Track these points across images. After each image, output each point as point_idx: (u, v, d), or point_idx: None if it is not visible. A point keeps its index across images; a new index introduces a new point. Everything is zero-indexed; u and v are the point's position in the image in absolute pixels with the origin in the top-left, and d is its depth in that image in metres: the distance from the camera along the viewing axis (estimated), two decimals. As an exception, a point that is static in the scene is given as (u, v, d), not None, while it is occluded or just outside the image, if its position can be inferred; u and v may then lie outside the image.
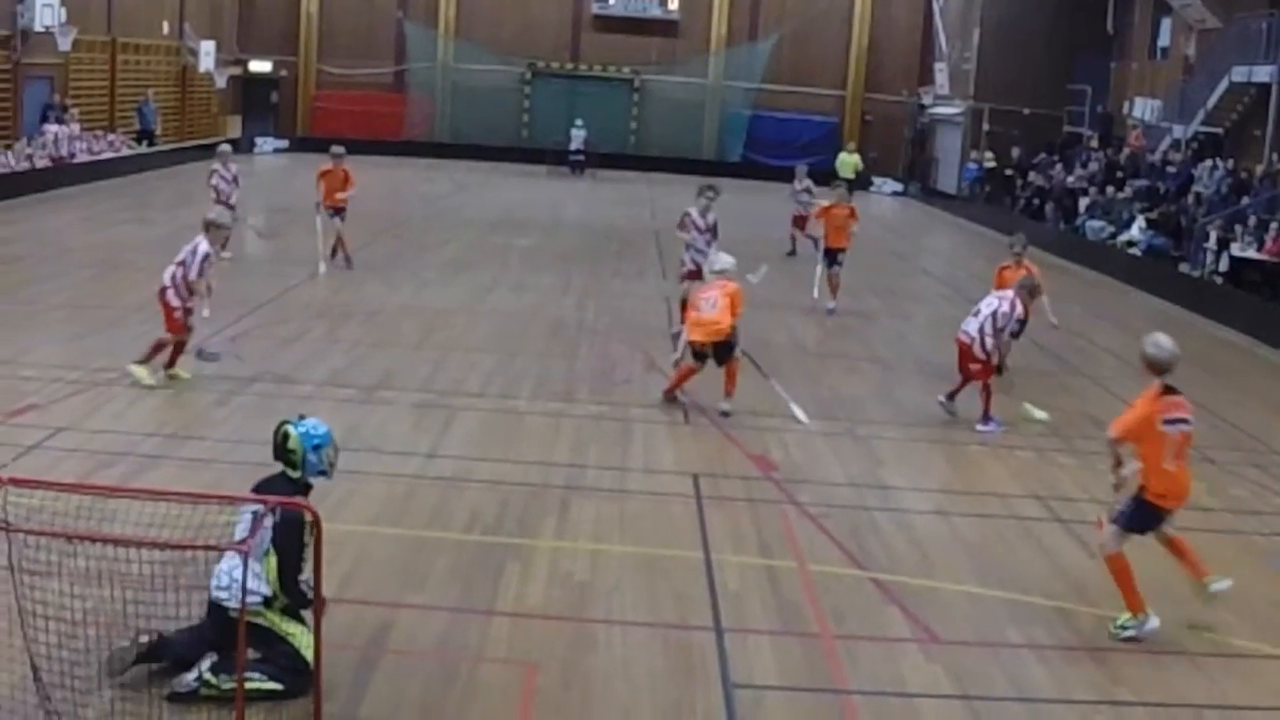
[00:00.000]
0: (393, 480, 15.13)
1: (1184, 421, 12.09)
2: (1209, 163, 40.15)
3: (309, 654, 9.30)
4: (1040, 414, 19.12)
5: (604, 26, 65.27)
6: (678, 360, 19.87)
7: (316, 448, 9.91)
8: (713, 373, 19.13)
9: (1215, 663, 11.75)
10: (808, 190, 36.64)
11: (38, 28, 43.17)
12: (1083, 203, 44.65)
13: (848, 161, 55.30)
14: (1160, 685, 11.22)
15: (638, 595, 12.41)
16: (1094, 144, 50.50)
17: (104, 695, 9.34)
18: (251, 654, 9.24)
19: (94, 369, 18.69)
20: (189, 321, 18.73)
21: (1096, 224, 42.28)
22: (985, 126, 57.05)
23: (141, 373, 18.37)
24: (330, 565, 9.74)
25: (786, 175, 38.13)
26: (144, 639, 9.59)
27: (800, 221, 36.68)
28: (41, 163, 42.88)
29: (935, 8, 62.35)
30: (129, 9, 51.67)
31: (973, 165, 56.20)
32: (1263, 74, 38.91)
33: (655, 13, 64.99)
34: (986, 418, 19.18)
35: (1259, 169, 37.42)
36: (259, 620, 9.54)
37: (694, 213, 24.00)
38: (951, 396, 19.79)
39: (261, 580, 9.57)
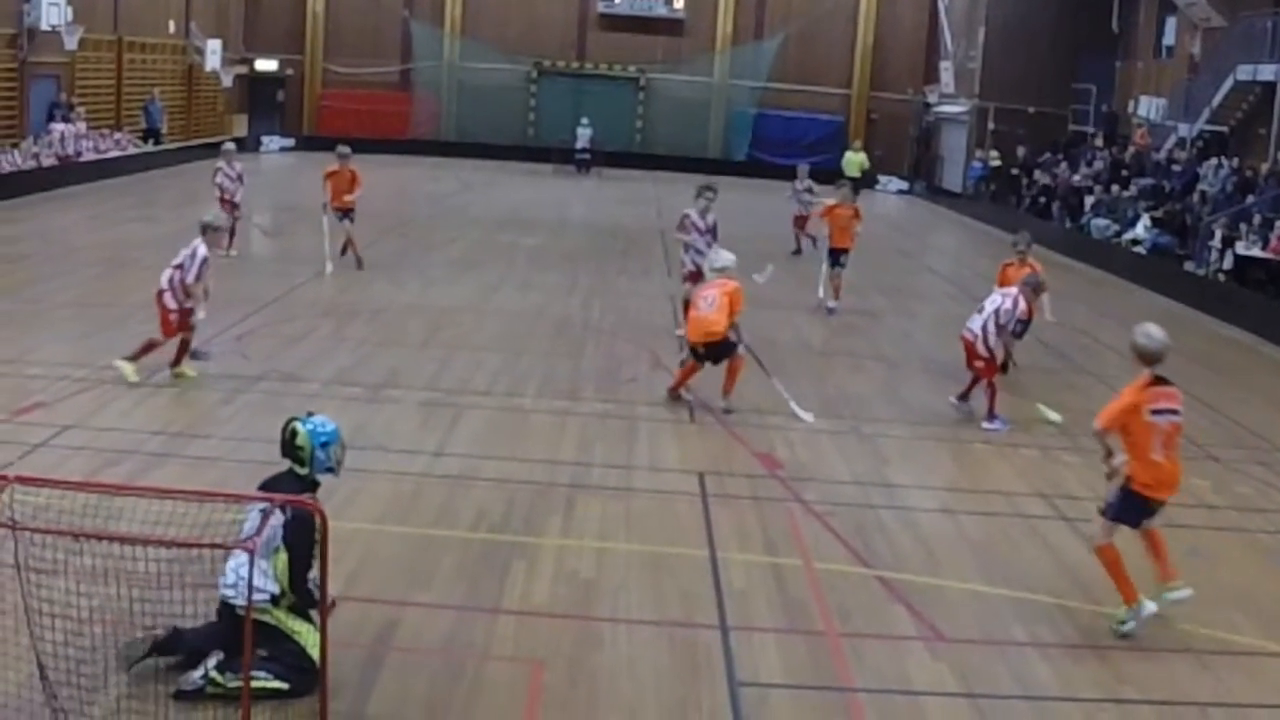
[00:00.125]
0: (399, 478, 15.15)
1: (1173, 412, 12.08)
2: (1214, 161, 40.12)
3: (315, 652, 9.29)
4: (1054, 416, 19.12)
5: (610, 25, 65.26)
6: (685, 360, 19.91)
7: (324, 445, 9.92)
8: (718, 371, 19.15)
9: (1220, 660, 11.76)
10: (809, 190, 36.63)
11: (44, 26, 43.20)
12: (1088, 201, 44.63)
13: (853, 160, 55.28)
14: (1165, 683, 11.23)
15: (643, 593, 12.42)
16: (1099, 143, 50.49)
17: (110, 693, 9.36)
18: (258, 652, 9.24)
19: (100, 367, 18.68)
20: (190, 321, 18.71)
21: (1101, 222, 42.27)
22: (990, 125, 56.99)
23: (128, 369, 18.35)
24: (336, 563, 9.75)
25: (792, 174, 38.02)
26: (158, 632, 9.63)
27: (801, 221, 36.69)
28: (48, 161, 42.93)
29: (940, 6, 62.30)
30: (135, 8, 51.70)
31: (978, 164, 56.14)
32: (1268, 72, 38.90)
33: (661, 11, 64.95)
34: (992, 415, 19.19)
35: (1264, 167, 37.41)
36: (266, 618, 9.55)
37: (693, 214, 23.94)
38: (963, 397, 19.81)
39: (269, 578, 9.58)
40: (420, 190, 49.84)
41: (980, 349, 19.21)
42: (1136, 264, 37.86)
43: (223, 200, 30.61)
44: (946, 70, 60.19)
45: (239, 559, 9.30)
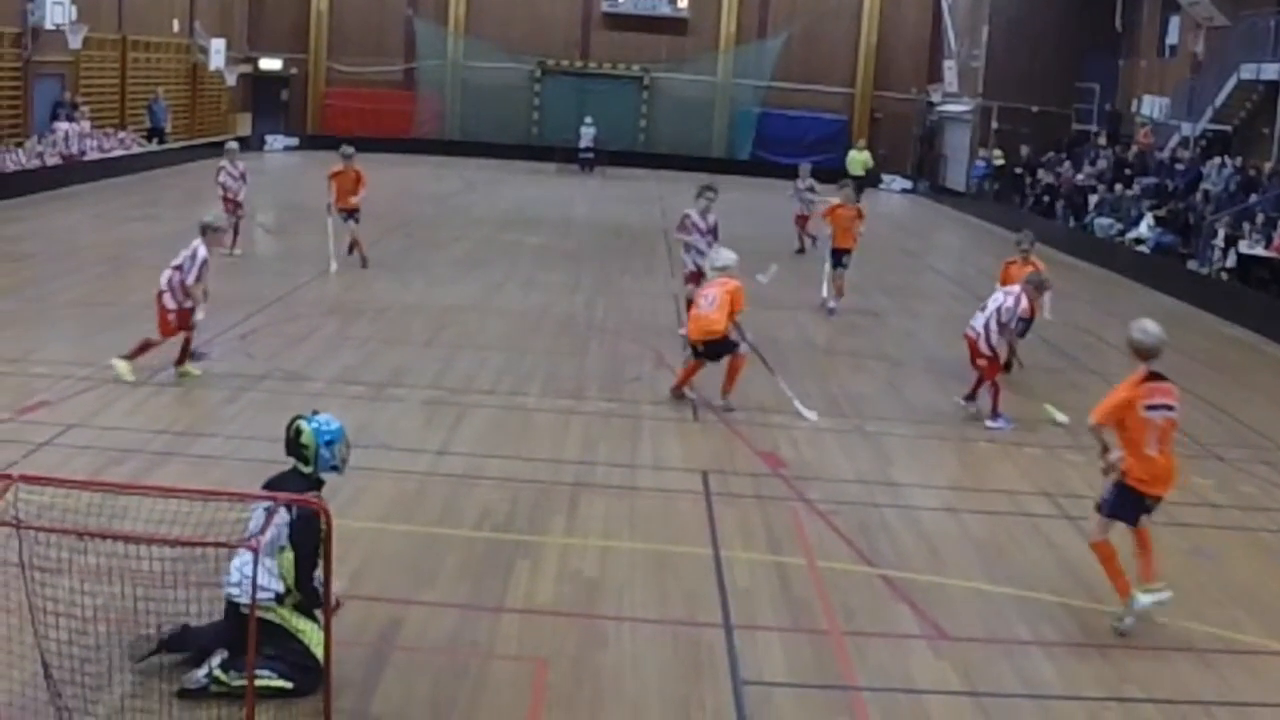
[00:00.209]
0: (403, 477, 15.16)
1: (1168, 408, 12.09)
2: (1217, 160, 40.12)
3: (319, 651, 9.31)
4: (1061, 417, 19.10)
5: (614, 24, 65.29)
6: (687, 359, 19.92)
7: (329, 443, 9.92)
8: (721, 369, 19.16)
9: (1224, 659, 11.76)
10: (811, 188, 36.65)
11: (48, 25, 43.25)
12: (1091, 200, 44.64)
13: (857, 159, 55.33)
14: (1169, 681, 11.24)
15: (647, 592, 12.43)
16: (1102, 142, 50.48)
17: (114, 692, 9.37)
18: (263, 650, 9.25)
19: (104, 366, 18.65)
20: (191, 321, 18.70)
21: (1105, 221, 42.27)
22: (994, 124, 56.93)
23: (123, 367, 18.34)
24: (340, 562, 9.77)
25: (795, 173, 38.05)
26: (167, 628, 9.65)
27: (802, 220, 36.70)
28: (52, 160, 42.94)
29: (944, 5, 62.29)
30: (139, 7, 51.76)
31: (981, 163, 56.20)
32: (1271, 71, 38.92)
33: (665, 10, 64.97)
34: (995, 414, 19.20)
35: (1267, 166, 37.42)
36: (270, 617, 9.55)
37: (694, 214, 23.90)
38: (970, 397, 19.83)
39: (274, 577, 9.59)
40: (424, 189, 49.81)
41: (983, 347, 19.24)
42: (1140, 263, 37.87)
43: (226, 199, 30.60)
44: (950, 69, 60.19)
45: (243, 557, 9.29)
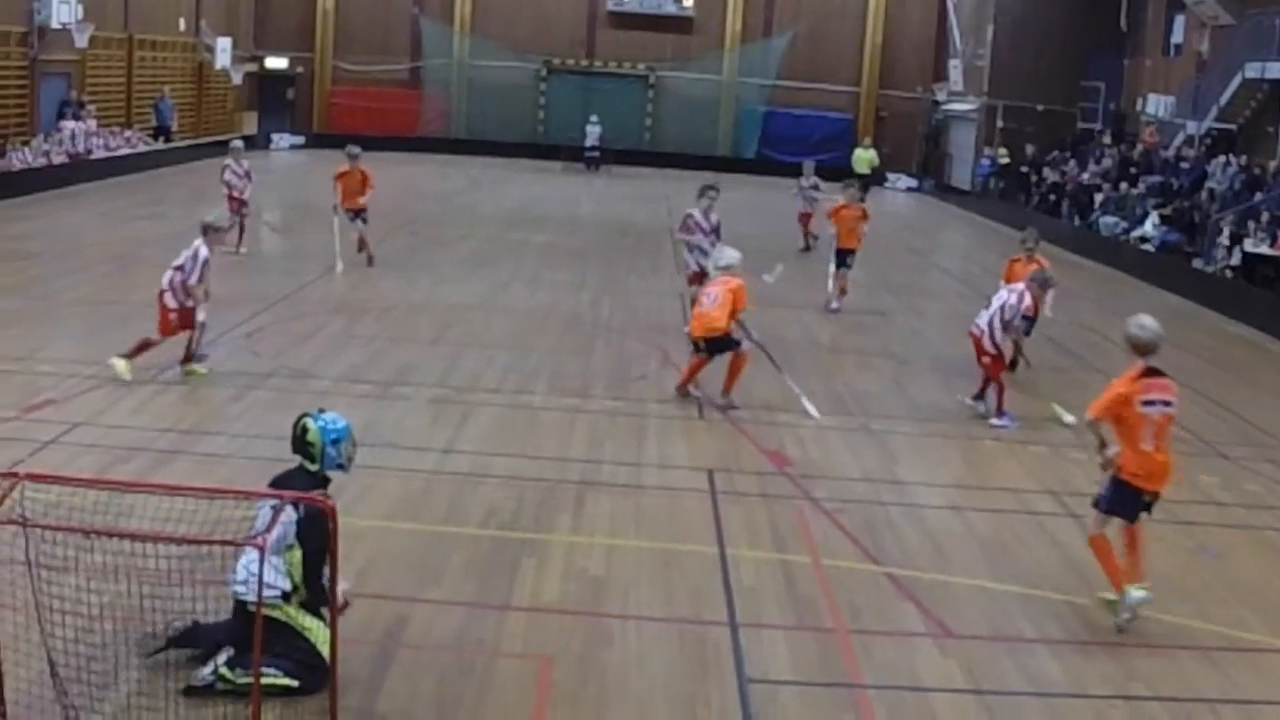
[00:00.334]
0: (409, 475, 15.18)
1: (1166, 404, 12.09)
2: (1222, 159, 40.11)
3: (325, 649, 9.31)
4: (1069, 418, 19.08)
5: (619, 23, 65.27)
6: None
7: (335, 441, 9.93)
8: (724, 367, 19.19)
9: (1229, 657, 11.76)
10: (815, 186, 36.65)
11: (55, 24, 43.27)
12: (1096, 199, 44.63)
13: (863, 157, 55.37)
14: (1175, 679, 11.24)
15: (653, 590, 12.44)
16: (1107, 140, 50.47)
17: (120, 690, 9.39)
18: (270, 649, 9.26)
19: (108, 365, 18.68)
20: (193, 320, 18.68)
21: (1110, 220, 42.25)
22: (999, 123, 56.91)
23: (122, 366, 18.32)
24: (346, 560, 9.78)
25: (800, 172, 38.03)
26: (177, 624, 9.67)
27: (805, 218, 36.70)
28: (58, 159, 42.98)
29: (949, 4, 62.26)
30: (145, 6, 51.78)
31: (986, 161, 56.16)
32: (1275, 70, 38.91)
33: (670, 9, 64.94)
34: (1000, 412, 19.21)
35: (1272, 165, 37.42)
36: (277, 615, 9.57)
37: (696, 214, 23.87)
38: (978, 396, 19.82)
39: (281, 575, 9.60)
40: (430, 188, 49.82)
41: (987, 345, 19.27)
42: (1145, 261, 37.87)
43: (230, 197, 30.60)
44: (955, 68, 60.20)
45: (250, 555, 9.30)
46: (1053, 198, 48.69)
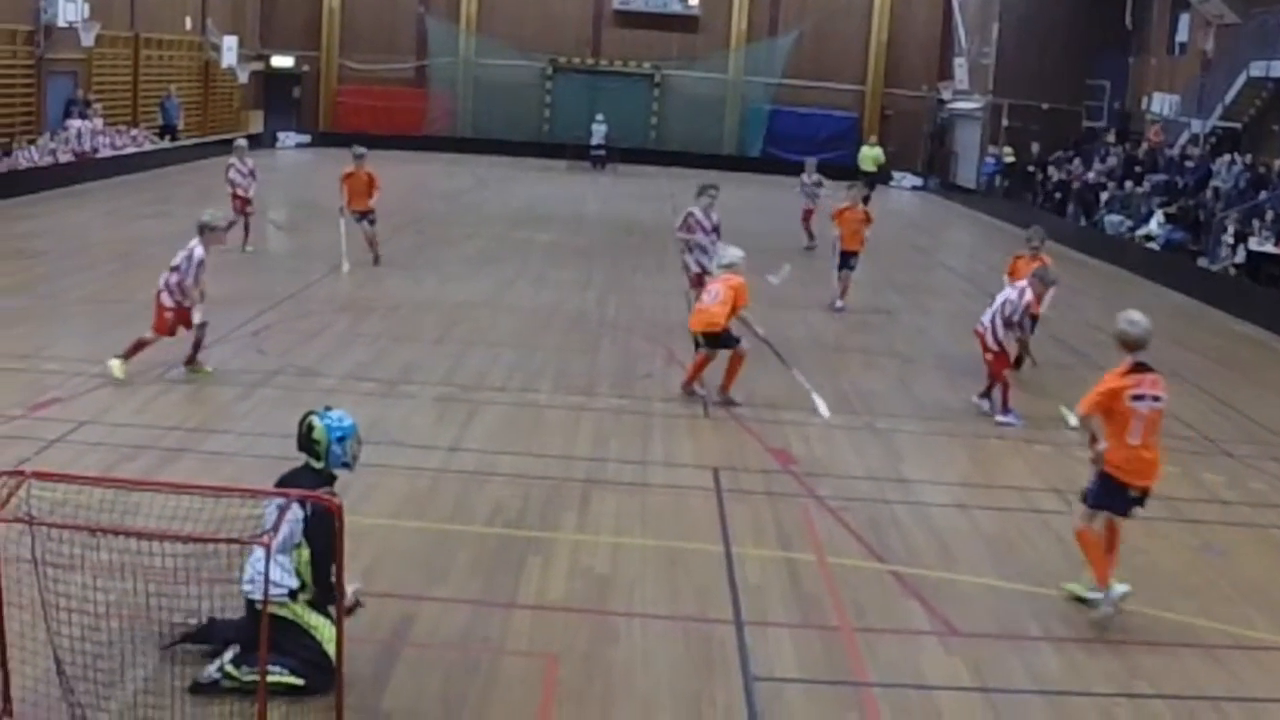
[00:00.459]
0: (415, 474, 15.20)
1: (1156, 399, 12.07)
2: (1227, 157, 40.13)
3: (332, 648, 9.31)
4: (1075, 420, 19.16)
5: (625, 22, 65.32)
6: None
7: (340, 439, 9.94)
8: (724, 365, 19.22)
9: (1234, 654, 11.77)
10: (818, 183, 36.59)
11: (61, 23, 43.35)
12: (1102, 197, 44.63)
13: (869, 155, 55.30)
14: (1179, 677, 11.24)
15: (658, 588, 12.45)
16: (1112, 139, 50.48)
17: (127, 688, 9.40)
18: (275, 647, 9.27)
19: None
20: (190, 319, 18.65)
21: (1115, 218, 42.26)
22: (1004, 121, 56.95)
23: (117, 367, 18.31)
24: (352, 558, 9.78)
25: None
26: (192, 620, 9.70)
27: (808, 215, 36.65)
28: (64, 157, 43.06)
29: (954, 3, 62.28)
30: (152, 4, 51.85)
31: (991, 160, 56.16)
32: (1280, 69, 38.95)
33: (676, 8, 64.99)
34: (1005, 409, 19.21)
35: (1276, 163, 37.49)
36: (283, 613, 9.58)
37: (698, 212, 23.81)
38: (985, 395, 19.83)
39: (288, 573, 9.61)
40: (436, 186, 49.84)
41: (990, 342, 19.32)
42: (1150, 260, 37.88)
43: (235, 196, 30.61)
44: (960, 66, 60.19)
45: (258, 554, 9.32)
46: (1058, 196, 48.69)
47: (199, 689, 9.53)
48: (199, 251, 18.37)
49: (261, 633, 8.64)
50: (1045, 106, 55.55)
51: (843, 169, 48.23)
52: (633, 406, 19.03)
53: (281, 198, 41.23)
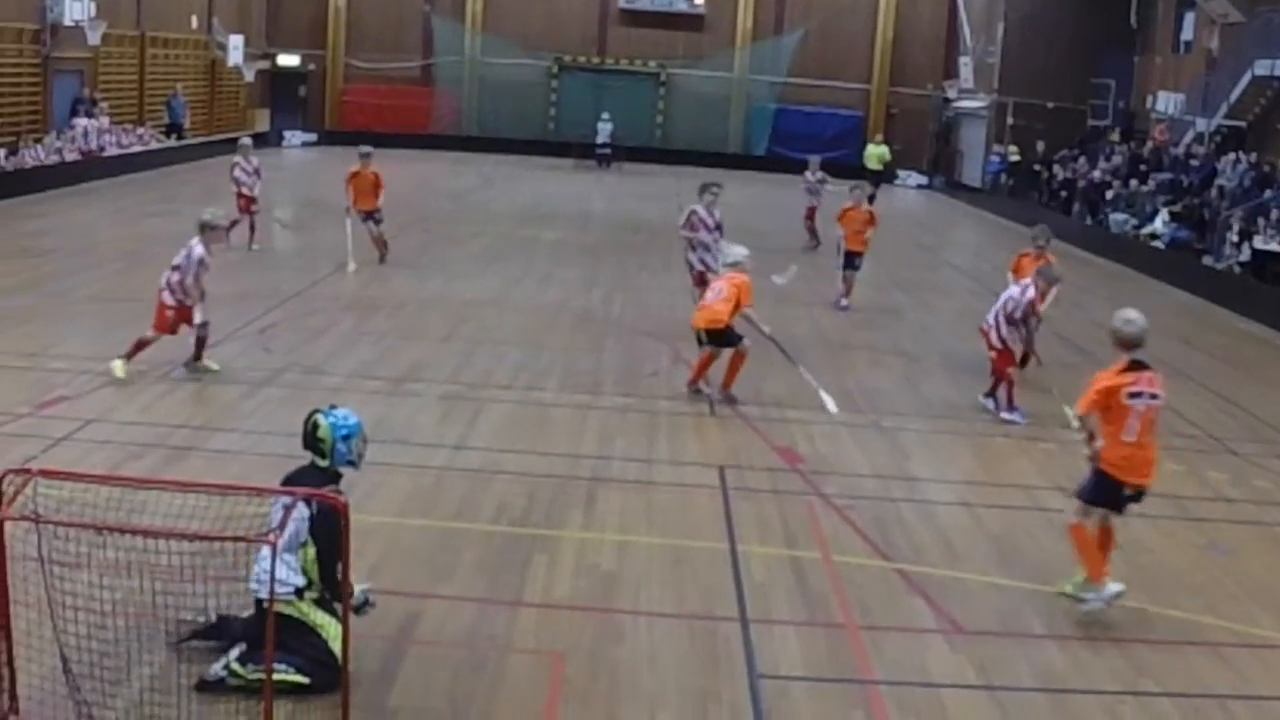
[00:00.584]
0: (420, 472, 15.22)
1: (1153, 396, 12.06)
2: (1232, 156, 40.14)
3: (338, 647, 9.32)
4: (1078, 422, 19.17)
5: (630, 20, 65.35)
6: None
7: (346, 438, 9.95)
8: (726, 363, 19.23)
9: (1239, 653, 11.77)
10: (821, 180, 36.50)
11: (67, 22, 43.38)
12: (1107, 196, 44.64)
13: (874, 153, 55.17)
14: (1184, 675, 11.25)
15: (664, 586, 12.46)
16: (1117, 138, 50.47)
17: (133, 686, 9.40)
18: (281, 645, 9.28)
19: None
20: (191, 317, 18.65)
21: (1120, 217, 42.27)
22: (1009, 120, 56.94)
23: (119, 367, 18.30)
24: (358, 556, 9.79)
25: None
26: (202, 618, 9.73)
27: (811, 214, 36.59)
28: (71, 156, 43.09)
29: (959, 1, 62.24)
30: (158, 3, 51.92)
31: (996, 159, 56.17)
32: (1285, 68, 38.95)
33: (681, 7, 65.02)
34: (1010, 407, 19.22)
35: (1281, 162, 37.48)
36: (290, 611, 9.59)
37: (701, 210, 23.83)
38: (991, 394, 19.83)
39: (294, 571, 9.63)
40: (442, 185, 49.83)
41: (994, 339, 19.35)
42: (1155, 258, 37.88)
43: (240, 195, 30.61)
44: (966, 65, 60.13)
45: (264, 552, 9.33)
46: (1063, 195, 48.71)
47: (205, 687, 9.55)
48: (199, 250, 18.39)
49: (267, 631, 8.66)
50: (1050, 105, 55.53)
51: (848, 168, 48.23)
52: (638, 405, 19.04)
53: (287, 196, 41.29)
